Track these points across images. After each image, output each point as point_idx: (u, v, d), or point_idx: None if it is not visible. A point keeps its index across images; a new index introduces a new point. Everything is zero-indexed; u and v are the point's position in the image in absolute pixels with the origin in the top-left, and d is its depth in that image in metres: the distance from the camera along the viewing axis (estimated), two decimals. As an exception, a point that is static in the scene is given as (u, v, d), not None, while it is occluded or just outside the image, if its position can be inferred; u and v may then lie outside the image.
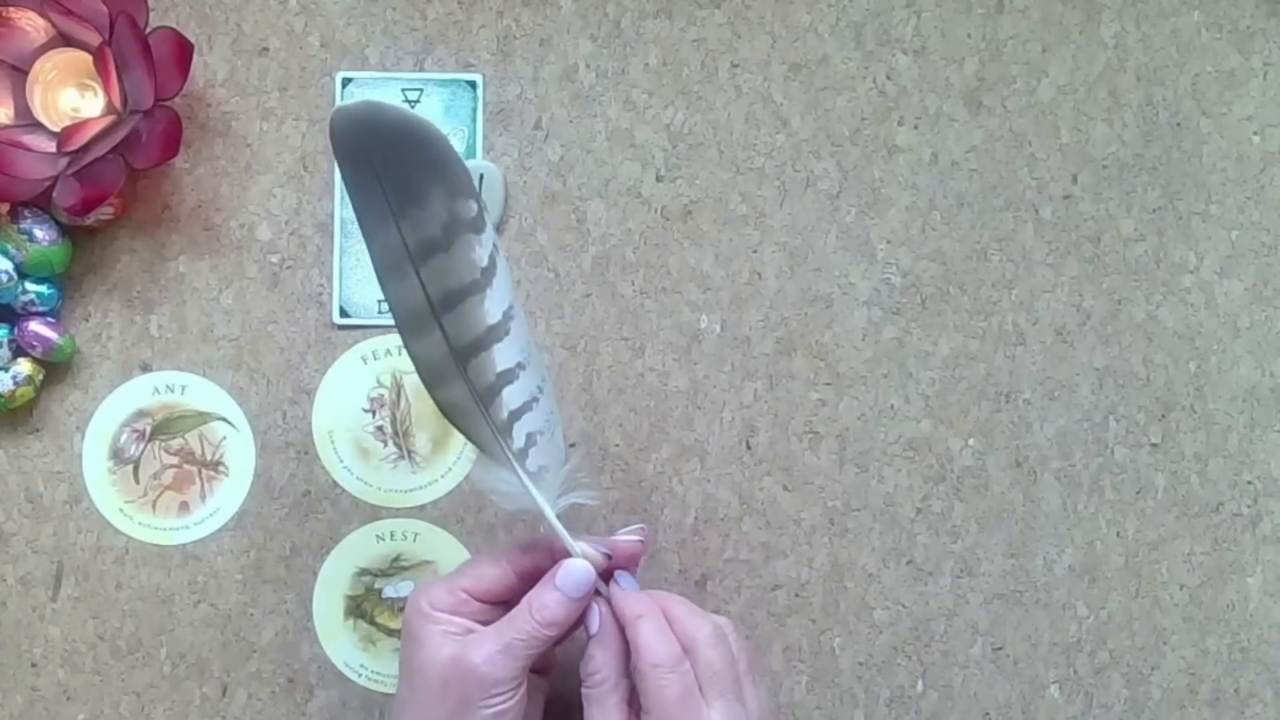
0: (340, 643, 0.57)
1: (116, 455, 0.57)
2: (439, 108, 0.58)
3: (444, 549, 0.58)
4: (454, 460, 0.58)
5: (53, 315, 0.56)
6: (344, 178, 0.47)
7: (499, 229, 0.58)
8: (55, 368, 0.57)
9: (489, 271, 0.48)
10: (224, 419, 0.58)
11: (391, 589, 0.58)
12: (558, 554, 0.50)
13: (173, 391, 0.58)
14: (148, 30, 0.55)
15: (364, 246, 0.58)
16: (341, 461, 0.58)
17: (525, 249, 0.59)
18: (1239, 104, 0.60)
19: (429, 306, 0.47)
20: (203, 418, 0.57)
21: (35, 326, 0.56)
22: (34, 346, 0.56)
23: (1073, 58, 0.60)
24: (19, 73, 0.55)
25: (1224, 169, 0.60)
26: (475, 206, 0.48)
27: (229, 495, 0.57)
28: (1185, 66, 0.60)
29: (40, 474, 0.57)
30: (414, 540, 0.58)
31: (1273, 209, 0.60)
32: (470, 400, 0.48)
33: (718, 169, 0.59)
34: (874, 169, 0.59)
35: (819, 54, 0.60)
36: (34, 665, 0.57)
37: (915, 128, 0.60)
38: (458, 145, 0.58)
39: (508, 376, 0.49)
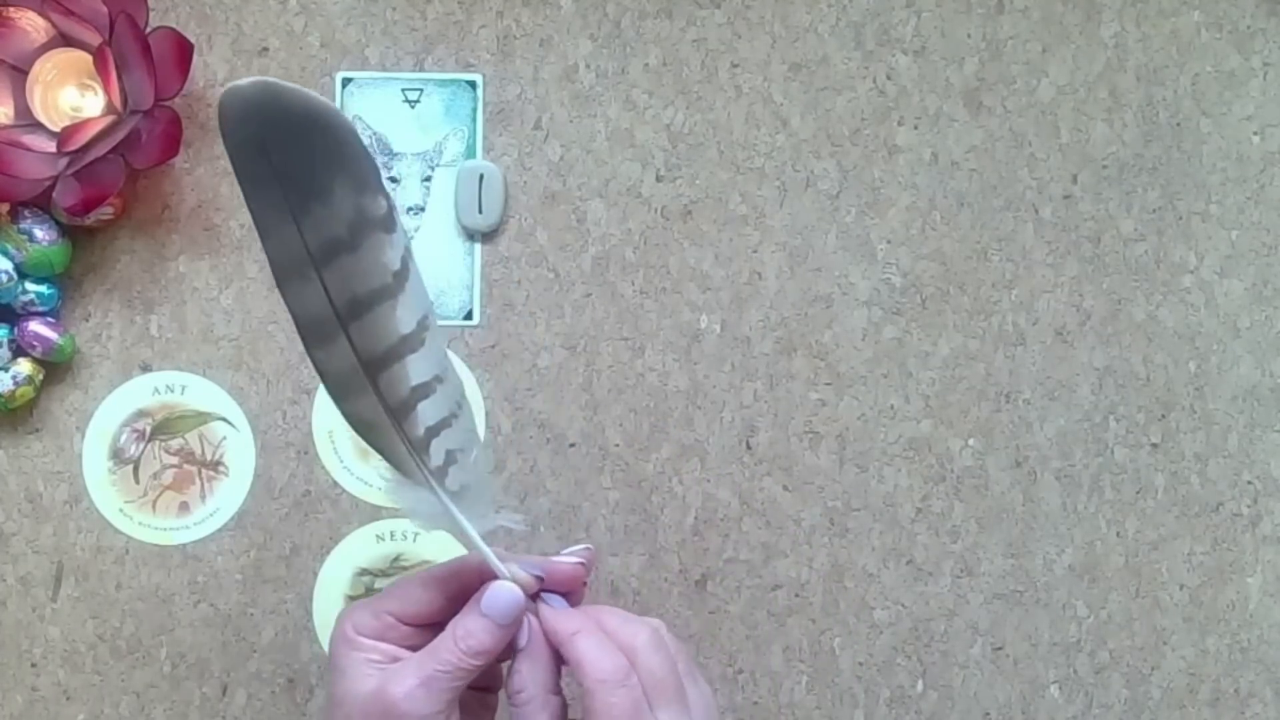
0: (340, 643, 0.57)
1: (116, 455, 0.57)
2: (439, 108, 0.58)
3: (444, 549, 0.58)
4: (454, 460, 0.58)
5: (53, 315, 0.56)
6: (235, 168, 0.41)
7: (499, 229, 0.58)
8: (55, 368, 0.57)
9: (401, 275, 0.43)
10: (224, 419, 0.58)
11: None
12: (488, 576, 0.46)
13: (173, 391, 0.58)
14: (148, 30, 0.55)
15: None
16: (341, 461, 0.58)
17: (525, 249, 0.59)
18: (1239, 104, 0.60)
19: (334, 314, 0.43)
20: (203, 418, 0.57)
21: (35, 326, 0.56)
22: (34, 346, 0.56)
23: (1073, 58, 0.60)
24: (19, 73, 0.55)
25: (1224, 169, 0.60)
26: (385, 203, 0.43)
27: (229, 495, 0.57)
28: (1185, 66, 0.60)
29: (40, 474, 0.57)
30: (414, 540, 0.58)
31: (1273, 209, 0.60)
32: (382, 415, 0.44)
33: (718, 169, 0.59)
34: (874, 169, 0.59)
35: (819, 54, 0.60)
36: (34, 665, 0.57)
37: (915, 128, 0.60)
38: (457, 145, 0.58)
39: (423, 390, 0.45)
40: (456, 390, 0.46)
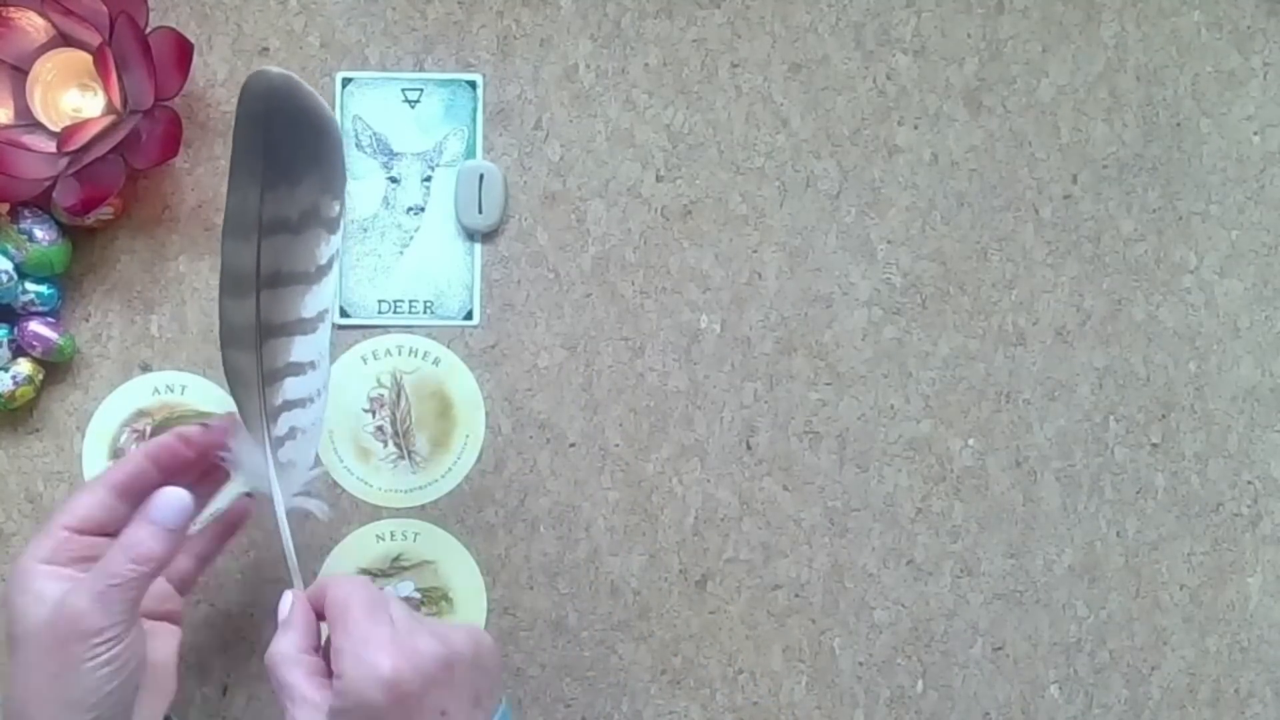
0: (340, 643, 0.57)
1: (117, 455, 0.57)
2: (439, 108, 0.58)
3: (444, 549, 0.58)
4: (454, 460, 0.58)
5: (53, 315, 0.56)
6: (235, 131, 0.48)
7: (499, 229, 0.58)
8: (55, 368, 0.57)
9: (323, 271, 0.50)
10: (224, 419, 0.57)
11: (391, 589, 0.57)
12: (159, 460, 0.48)
13: (173, 391, 0.57)
14: (148, 30, 0.55)
15: (365, 247, 0.58)
16: (341, 461, 0.58)
17: (525, 249, 0.59)
18: (1239, 104, 0.60)
19: (256, 275, 0.49)
20: (203, 418, 0.57)
21: (35, 326, 0.56)
22: (34, 346, 0.56)
23: (1073, 58, 0.60)
24: (19, 73, 0.55)
25: (1224, 169, 0.60)
26: (338, 209, 0.50)
27: (229, 495, 0.57)
28: (1185, 66, 0.60)
29: (40, 474, 0.57)
30: (414, 540, 0.58)
31: (1273, 209, 0.60)
32: (255, 374, 0.50)
33: (718, 169, 0.59)
34: (874, 169, 0.59)
35: (819, 54, 0.60)
36: (34, 665, 0.57)
37: (915, 128, 0.60)
38: (457, 145, 0.58)
39: (296, 369, 0.50)
40: (322, 381, 0.51)
